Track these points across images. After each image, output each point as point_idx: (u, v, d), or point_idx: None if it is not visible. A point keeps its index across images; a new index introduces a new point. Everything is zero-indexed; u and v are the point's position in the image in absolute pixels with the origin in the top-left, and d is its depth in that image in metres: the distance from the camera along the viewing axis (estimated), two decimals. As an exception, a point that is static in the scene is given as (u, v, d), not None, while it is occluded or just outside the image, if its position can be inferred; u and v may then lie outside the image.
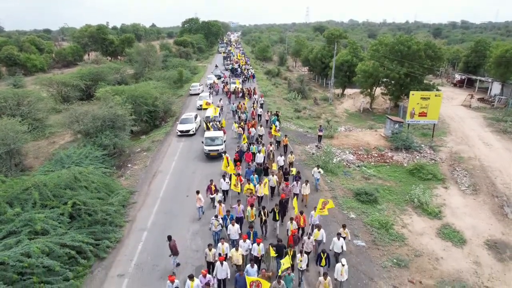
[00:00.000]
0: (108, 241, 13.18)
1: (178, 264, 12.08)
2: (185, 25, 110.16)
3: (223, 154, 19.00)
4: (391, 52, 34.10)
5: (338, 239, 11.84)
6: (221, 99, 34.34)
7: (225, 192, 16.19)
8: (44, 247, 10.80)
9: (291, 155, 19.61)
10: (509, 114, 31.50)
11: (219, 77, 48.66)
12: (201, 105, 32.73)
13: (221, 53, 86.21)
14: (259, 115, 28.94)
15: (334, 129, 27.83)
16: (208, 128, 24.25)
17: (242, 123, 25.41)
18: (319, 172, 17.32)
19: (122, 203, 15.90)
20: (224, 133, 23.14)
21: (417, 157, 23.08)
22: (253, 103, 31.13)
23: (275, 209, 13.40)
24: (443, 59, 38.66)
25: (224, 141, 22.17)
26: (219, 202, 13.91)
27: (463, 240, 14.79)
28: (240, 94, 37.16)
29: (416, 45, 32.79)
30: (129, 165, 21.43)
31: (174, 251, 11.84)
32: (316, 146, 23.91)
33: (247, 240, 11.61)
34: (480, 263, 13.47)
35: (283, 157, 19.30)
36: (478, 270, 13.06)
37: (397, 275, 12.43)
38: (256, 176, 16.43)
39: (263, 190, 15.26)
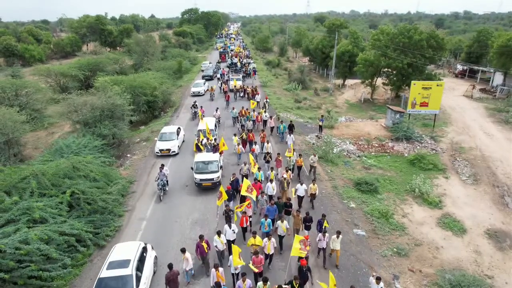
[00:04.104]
0: (107, 229, 13.18)
1: None
2: (185, 16, 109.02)
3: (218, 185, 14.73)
4: (392, 42, 33.64)
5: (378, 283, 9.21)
6: (217, 108, 25.59)
7: (230, 244, 11.06)
8: (43, 234, 10.76)
9: (314, 184, 14.46)
10: (511, 105, 31.26)
11: (209, 78, 41.02)
12: (161, 150, 20.51)
13: (217, 49, 73.11)
14: (265, 121, 23.43)
15: (335, 119, 27.65)
16: (199, 149, 18.58)
17: (244, 134, 19.98)
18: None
19: (121, 193, 15.88)
20: (221, 153, 18.01)
21: (418, 147, 22.94)
22: (257, 106, 25.19)
23: (294, 283, 9.31)
24: (445, 49, 38.15)
25: (221, 167, 17.32)
26: (216, 266, 9.72)
27: (463, 229, 14.75)
28: (241, 93, 31.64)
29: (418, 35, 32.31)
30: (128, 155, 21.35)
31: (173, 286, 9.74)
32: (317, 136, 23.79)
33: None
34: (480, 252, 13.46)
35: (304, 185, 14.27)
36: (478, 259, 13.05)
37: (397, 263, 12.43)
38: (268, 220, 11.87)
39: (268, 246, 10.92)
